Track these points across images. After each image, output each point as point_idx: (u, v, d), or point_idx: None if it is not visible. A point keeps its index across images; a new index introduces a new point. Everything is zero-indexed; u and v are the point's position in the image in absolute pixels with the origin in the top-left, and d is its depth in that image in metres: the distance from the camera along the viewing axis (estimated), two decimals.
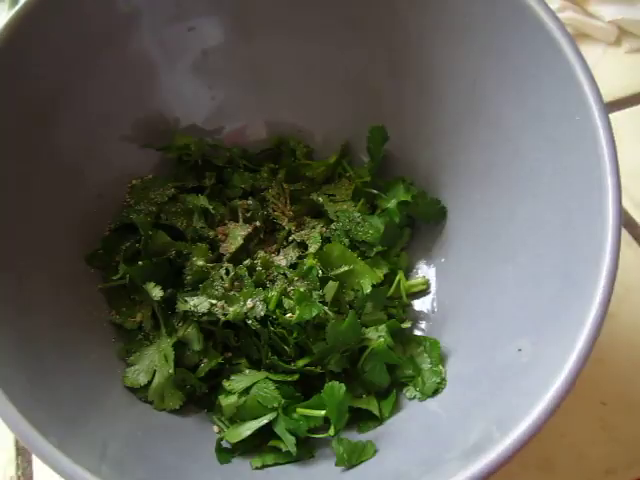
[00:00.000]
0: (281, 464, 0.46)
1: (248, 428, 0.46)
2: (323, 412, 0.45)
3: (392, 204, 0.56)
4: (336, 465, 0.44)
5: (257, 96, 0.60)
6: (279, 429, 0.46)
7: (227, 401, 0.47)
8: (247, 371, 0.49)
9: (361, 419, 0.48)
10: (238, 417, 0.47)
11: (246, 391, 0.47)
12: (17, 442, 0.55)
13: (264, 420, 0.46)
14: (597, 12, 0.79)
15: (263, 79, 0.60)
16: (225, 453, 0.46)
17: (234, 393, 0.47)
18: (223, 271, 0.52)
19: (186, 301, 0.49)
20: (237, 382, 0.48)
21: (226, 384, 0.48)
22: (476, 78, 0.48)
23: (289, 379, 0.48)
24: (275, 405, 0.46)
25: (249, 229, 0.56)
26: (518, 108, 0.45)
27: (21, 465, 0.54)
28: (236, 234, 0.55)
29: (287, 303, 0.49)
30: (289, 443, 0.45)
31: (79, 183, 0.53)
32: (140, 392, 0.49)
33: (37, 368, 0.41)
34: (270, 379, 0.48)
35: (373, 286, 0.52)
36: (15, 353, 0.40)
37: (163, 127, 0.59)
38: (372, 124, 0.57)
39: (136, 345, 0.51)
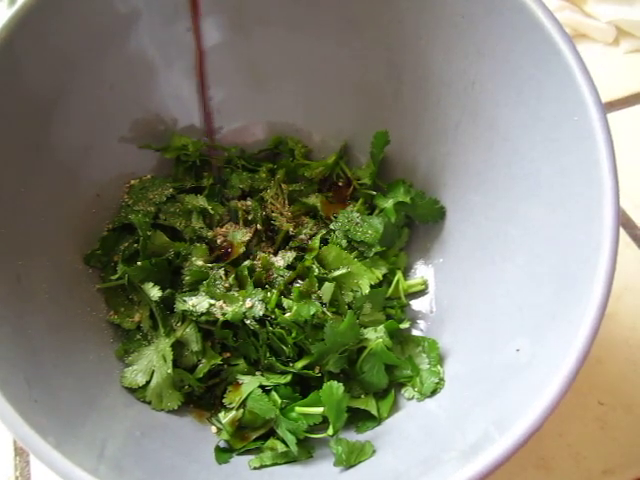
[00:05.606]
0: (279, 464, 0.46)
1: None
2: (321, 409, 0.45)
3: (389, 204, 0.56)
4: (334, 465, 0.44)
5: (255, 96, 0.60)
6: (281, 430, 0.46)
7: (228, 418, 0.47)
8: (240, 379, 0.49)
9: (359, 419, 0.48)
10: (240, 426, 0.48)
11: (242, 404, 0.48)
12: (15, 442, 0.55)
13: (262, 430, 0.47)
14: (595, 12, 0.79)
15: (261, 79, 0.59)
16: (223, 453, 0.46)
17: (232, 408, 0.47)
18: (222, 271, 0.52)
19: (185, 301, 0.49)
20: (233, 394, 0.48)
21: (225, 400, 0.48)
22: (474, 79, 0.48)
23: (283, 381, 0.48)
24: (272, 416, 0.46)
25: (250, 233, 0.56)
26: (516, 108, 0.45)
27: (19, 465, 0.54)
28: (237, 239, 0.55)
29: (286, 303, 0.50)
30: (290, 442, 0.45)
31: (77, 183, 0.53)
32: (138, 392, 0.49)
33: (35, 369, 0.41)
34: (263, 385, 0.48)
35: (371, 286, 0.52)
36: (13, 353, 0.40)
37: (161, 127, 0.59)
38: (372, 125, 0.57)
39: (134, 345, 0.51)
